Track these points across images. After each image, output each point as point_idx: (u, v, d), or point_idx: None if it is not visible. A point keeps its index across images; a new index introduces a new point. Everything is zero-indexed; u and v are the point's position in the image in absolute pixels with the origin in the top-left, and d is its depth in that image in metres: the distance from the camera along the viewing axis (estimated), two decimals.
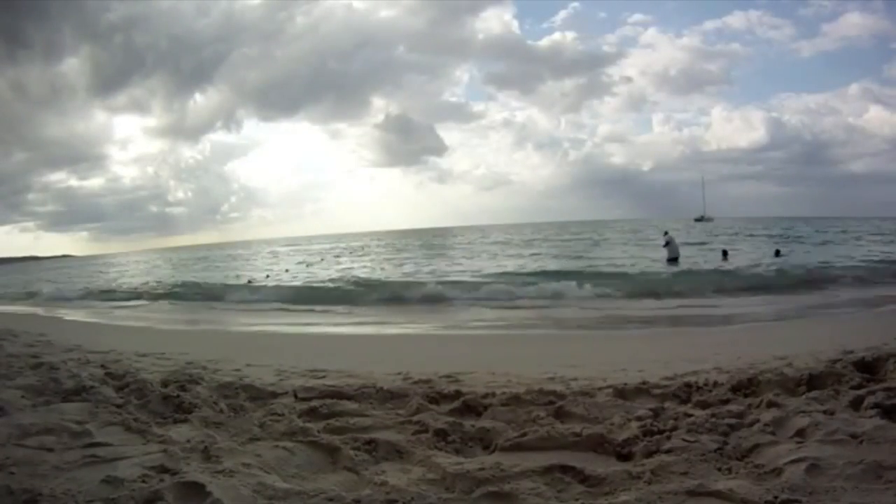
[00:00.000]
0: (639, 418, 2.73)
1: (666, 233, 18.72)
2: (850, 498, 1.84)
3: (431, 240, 49.50)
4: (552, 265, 18.89)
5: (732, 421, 2.59)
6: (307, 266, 23.82)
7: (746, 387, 3.08)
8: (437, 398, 3.28)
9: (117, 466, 2.28)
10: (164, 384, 3.57)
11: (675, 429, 2.57)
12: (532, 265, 19.80)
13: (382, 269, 21.70)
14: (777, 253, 18.80)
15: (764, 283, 12.94)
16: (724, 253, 18.87)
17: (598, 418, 2.82)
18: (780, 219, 70.14)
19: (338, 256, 31.36)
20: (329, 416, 3.00)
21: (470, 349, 6.75)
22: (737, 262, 17.37)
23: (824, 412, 2.55)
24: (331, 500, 2.02)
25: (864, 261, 16.13)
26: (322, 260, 28.32)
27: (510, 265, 20.00)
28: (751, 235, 33.50)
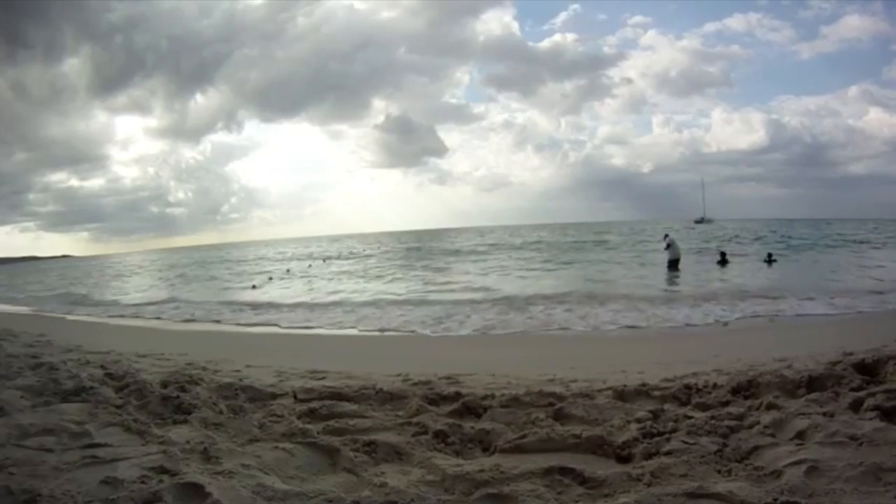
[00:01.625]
0: (638, 420, 2.73)
1: (666, 235, 18.54)
2: (850, 500, 1.84)
3: (425, 244, 46.91)
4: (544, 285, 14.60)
5: (732, 423, 2.59)
6: (254, 287, 18.27)
7: (746, 389, 3.08)
8: (436, 400, 3.28)
9: (117, 467, 2.28)
10: (164, 385, 3.56)
11: (674, 431, 2.57)
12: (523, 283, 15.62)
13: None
14: (769, 257, 18.75)
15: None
16: (723, 255, 18.80)
17: (597, 420, 2.82)
18: (781, 220, 70.03)
19: (285, 274, 23.59)
20: (329, 418, 3.00)
21: (469, 350, 6.74)
22: (735, 266, 17.29)
23: (824, 414, 2.55)
24: (330, 501, 2.02)
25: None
26: (267, 279, 21.13)
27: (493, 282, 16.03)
28: (757, 238, 32.61)
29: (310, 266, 24.49)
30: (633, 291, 11.76)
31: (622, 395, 3.19)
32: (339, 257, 33.85)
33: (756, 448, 2.32)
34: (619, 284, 13.51)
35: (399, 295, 13.64)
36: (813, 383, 3.01)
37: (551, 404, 3.05)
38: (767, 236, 33.00)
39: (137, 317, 12.52)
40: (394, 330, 8.83)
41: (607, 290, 12.10)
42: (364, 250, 41.45)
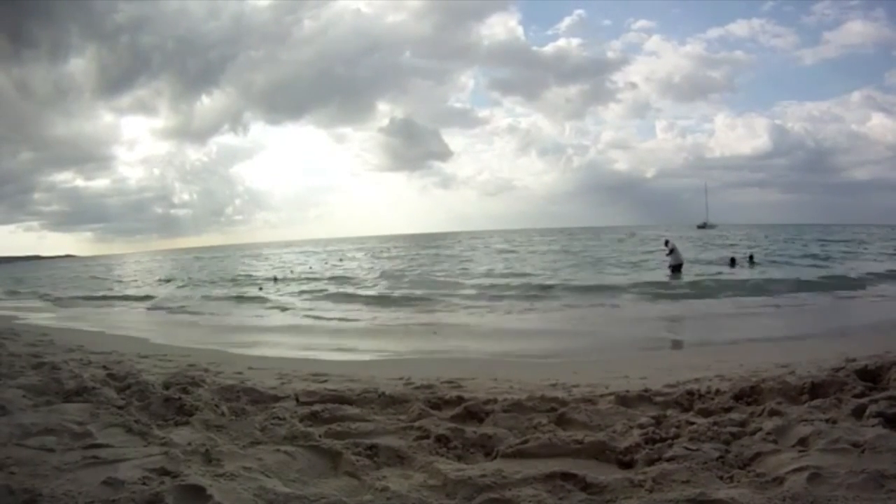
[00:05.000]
0: (641, 426, 2.72)
1: (667, 241, 18.46)
2: None
3: (420, 249, 44.78)
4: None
5: (734, 429, 2.59)
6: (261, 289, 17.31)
7: (749, 395, 3.08)
8: (438, 404, 3.27)
9: (118, 468, 2.28)
10: (166, 386, 3.57)
11: (677, 437, 2.57)
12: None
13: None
14: (751, 258, 18.71)
15: None
16: (732, 261, 18.76)
17: (600, 426, 2.82)
18: (783, 226, 69.82)
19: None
20: (330, 421, 3.00)
21: (471, 353, 6.73)
22: (742, 270, 17.25)
23: (826, 421, 2.54)
24: None
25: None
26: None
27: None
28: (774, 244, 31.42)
29: (260, 289, 18.27)
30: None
31: (624, 400, 3.19)
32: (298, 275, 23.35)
33: (758, 454, 2.31)
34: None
35: None
36: (815, 390, 3.00)
37: (553, 409, 3.04)
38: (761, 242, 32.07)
39: None
40: None
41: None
42: (328, 263, 31.80)
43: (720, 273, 16.35)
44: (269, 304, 14.13)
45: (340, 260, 33.58)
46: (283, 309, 13.11)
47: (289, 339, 8.68)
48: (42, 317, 12.68)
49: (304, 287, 18.03)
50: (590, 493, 2.11)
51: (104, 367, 4.36)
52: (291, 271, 25.34)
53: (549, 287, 14.68)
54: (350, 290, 16.67)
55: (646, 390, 3.34)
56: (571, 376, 4.32)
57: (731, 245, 29.27)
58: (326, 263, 30.59)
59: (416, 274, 21.10)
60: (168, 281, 25.23)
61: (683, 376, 3.96)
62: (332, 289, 16.97)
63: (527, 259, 26.87)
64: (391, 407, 3.28)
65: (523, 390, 3.66)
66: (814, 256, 21.22)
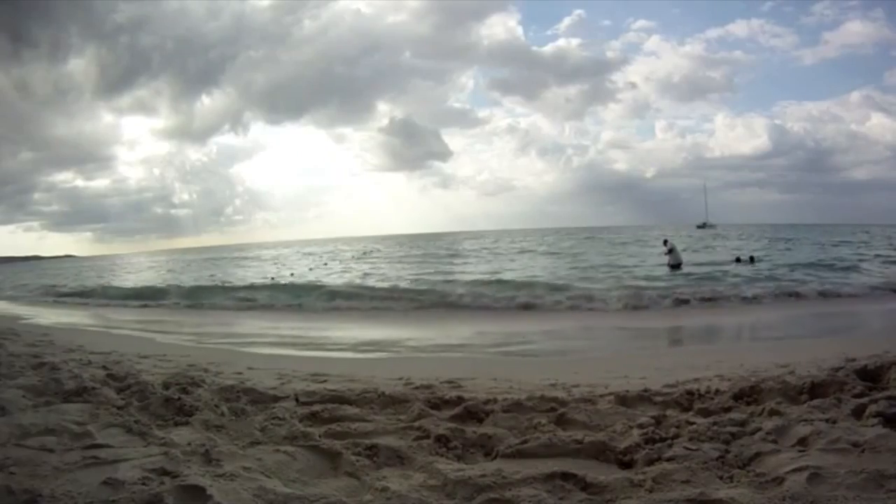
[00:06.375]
0: (640, 426, 2.72)
1: (666, 241, 18.46)
2: None
3: (412, 249, 43.29)
4: None
5: (734, 429, 2.59)
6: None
7: (748, 395, 3.08)
8: (438, 404, 3.27)
9: (118, 468, 2.28)
10: (166, 386, 3.56)
11: (676, 437, 2.57)
12: None
13: None
14: (751, 259, 18.67)
15: None
16: (738, 260, 18.77)
17: (599, 426, 2.82)
18: (783, 226, 69.83)
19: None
20: (330, 421, 3.00)
21: (471, 354, 6.73)
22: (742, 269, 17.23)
23: (826, 420, 2.55)
24: None
25: None
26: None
27: None
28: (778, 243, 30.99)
29: None
30: None
31: (624, 400, 3.19)
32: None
33: (758, 454, 2.31)
34: None
35: None
36: (815, 389, 3.00)
37: (553, 409, 3.04)
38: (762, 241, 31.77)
39: None
40: None
41: None
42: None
43: (721, 272, 16.35)
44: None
45: (300, 270, 25.95)
46: None
47: None
48: None
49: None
50: (590, 493, 2.12)
51: (104, 368, 4.35)
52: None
53: (541, 288, 14.53)
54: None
55: (646, 390, 3.34)
56: (571, 376, 4.32)
57: (727, 246, 29.16)
58: (279, 273, 23.67)
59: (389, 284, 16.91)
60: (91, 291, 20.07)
61: (683, 376, 3.96)
62: None
63: (518, 259, 26.71)
64: (391, 407, 3.27)
65: (523, 390, 3.66)
66: (817, 259, 21.11)
